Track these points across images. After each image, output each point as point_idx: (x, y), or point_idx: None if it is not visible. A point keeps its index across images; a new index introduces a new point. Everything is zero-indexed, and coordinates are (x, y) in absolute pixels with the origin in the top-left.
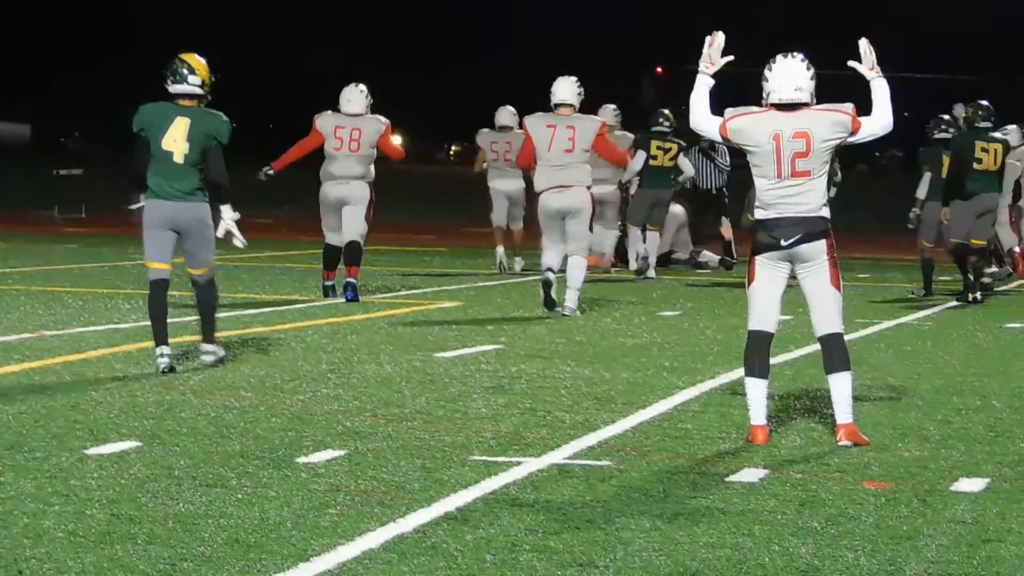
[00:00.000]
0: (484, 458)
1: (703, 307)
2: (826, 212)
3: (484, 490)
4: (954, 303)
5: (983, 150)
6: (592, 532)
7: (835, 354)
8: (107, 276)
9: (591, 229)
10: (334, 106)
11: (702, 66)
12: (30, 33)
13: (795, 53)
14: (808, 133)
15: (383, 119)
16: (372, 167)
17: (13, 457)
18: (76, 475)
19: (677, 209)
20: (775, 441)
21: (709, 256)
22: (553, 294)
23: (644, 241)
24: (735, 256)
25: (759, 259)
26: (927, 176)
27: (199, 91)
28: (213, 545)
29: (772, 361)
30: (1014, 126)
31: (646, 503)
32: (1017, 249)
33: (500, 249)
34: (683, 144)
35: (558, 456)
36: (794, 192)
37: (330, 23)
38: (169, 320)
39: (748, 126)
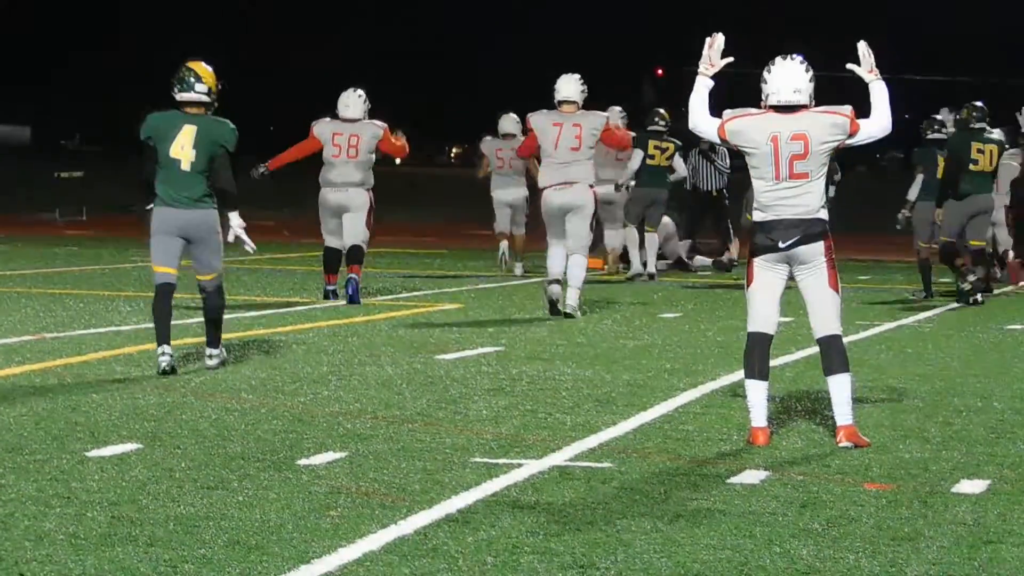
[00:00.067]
0: (485, 460)
1: (704, 309)
2: (824, 214)
3: (485, 492)
4: (955, 304)
5: (979, 151)
6: (593, 534)
7: (834, 356)
8: (108, 278)
9: (592, 228)
10: (333, 108)
11: (702, 68)
12: (28, 33)
13: (794, 55)
14: (806, 135)
15: (380, 123)
16: (371, 173)
17: (14, 459)
18: (77, 477)
19: (664, 219)
20: (776, 443)
21: (702, 260)
22: (559, 305)
23: (642, 245)
24: (733, 261)
25: (757, 261)
26: (919, 178)
27: (206, 99)
28: (214, 547)
29: (772, 363)
30: (998, 130)
31: (647, 505)
32: (1011, 254)
33: (504, 244)
34: (679, 143)
35: (559, 458)
36: (792, 194)
37: (326, 23)
38: (172, 322)
39: (746, 128)
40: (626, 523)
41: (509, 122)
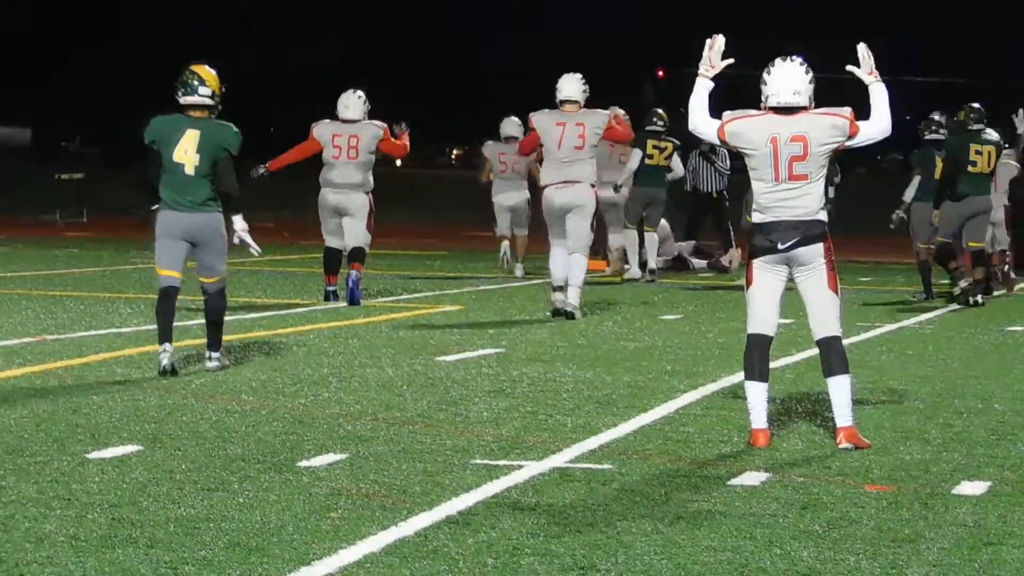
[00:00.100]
0: (485, 462)
1: (704, 310)
2: (823, 215)
3: (485, 494)
4: (955, 306)
5: (977, 152)
6: (593, 535)
7: (833, 357)
8: (108, 280)
9: (593, 228)
10: (333, 111)
11: (702, 69)
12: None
13: (794, 57)
14: (805, 137)
15: (380, 123)
16: (371, 174)
17: (14, 461)
18: (77, 479)
19: (661, 222)
20: (776, 444)
21: (699, 262)
22: (561, 305)
23: (642, 245)
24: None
25: (757, 262)
26: (916, 179)
27: (209, 102)
28: (214, 549)
29: (773, 364)
30: (995, 132)
31: (647, 506)
32: (1009, 255)
33: (505, 244)
34: (678, 143)
35: (559, 459)
36: (791, 195)
37: (325, 23)
38: (173, 323)
39: (746, 129)
40: (627, 525)
41: (511, 125)
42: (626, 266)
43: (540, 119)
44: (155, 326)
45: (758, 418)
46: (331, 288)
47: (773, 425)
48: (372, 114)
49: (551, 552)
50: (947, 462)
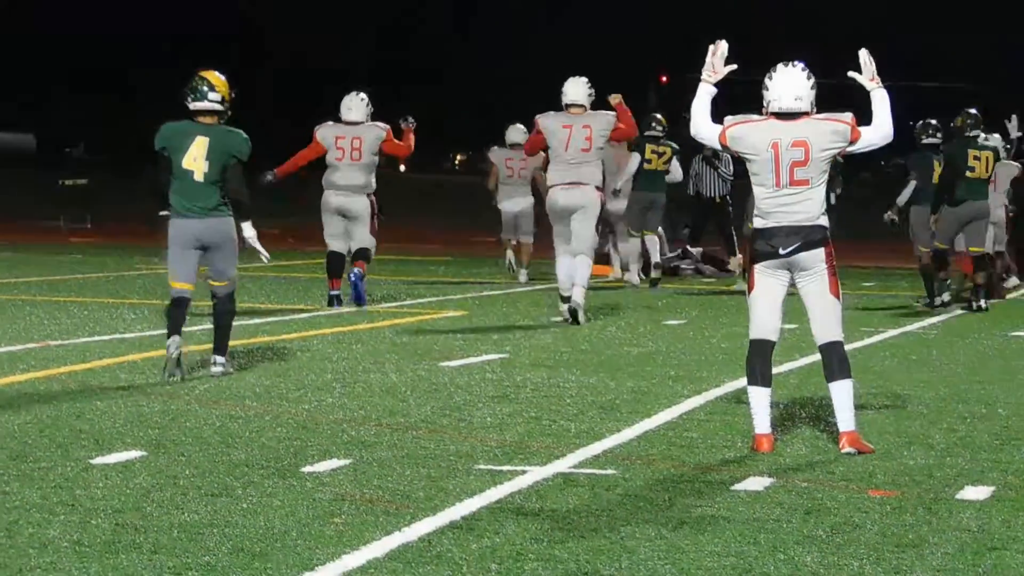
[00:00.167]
0: (489, 467)
1: (708, 315)
2: (825, 221)
3: (489, 499)
4: (959, 311)
5: (975, 158)
6: (597, 541)
7: (835, 362)
8: (112, 286)
9: (598, 230)
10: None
11: (705, 74)
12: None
13: (795, 62)
14: (807, 142)
15: (383, 125)
16: (374, 176)
17: (18, 467)
18: (81, 485)
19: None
20: (780, 449)
21: (686, 267)
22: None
23: (646, 250)
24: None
25: (758, 268)
26: (911, 184)
27: (219, 107)
28: (218, 554)
29: (777, 370)
30: (996, 136)
31: (651, 511)
32: (1008, 257)
33: (510, 252)
34: (676, 147)
35: (563, 465)
36: (792, 201)
37: (329, 24)
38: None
39: (747, 134)
40: (630, 530)
41: (516, 132)
42: (627, 273)
43: (547, 121)
44: (159, 332)
45: (761, 423)
46: (334, 293)
47: (777, 430)
48: (374, 116)
49: (555, 557)
50: (951, 467)
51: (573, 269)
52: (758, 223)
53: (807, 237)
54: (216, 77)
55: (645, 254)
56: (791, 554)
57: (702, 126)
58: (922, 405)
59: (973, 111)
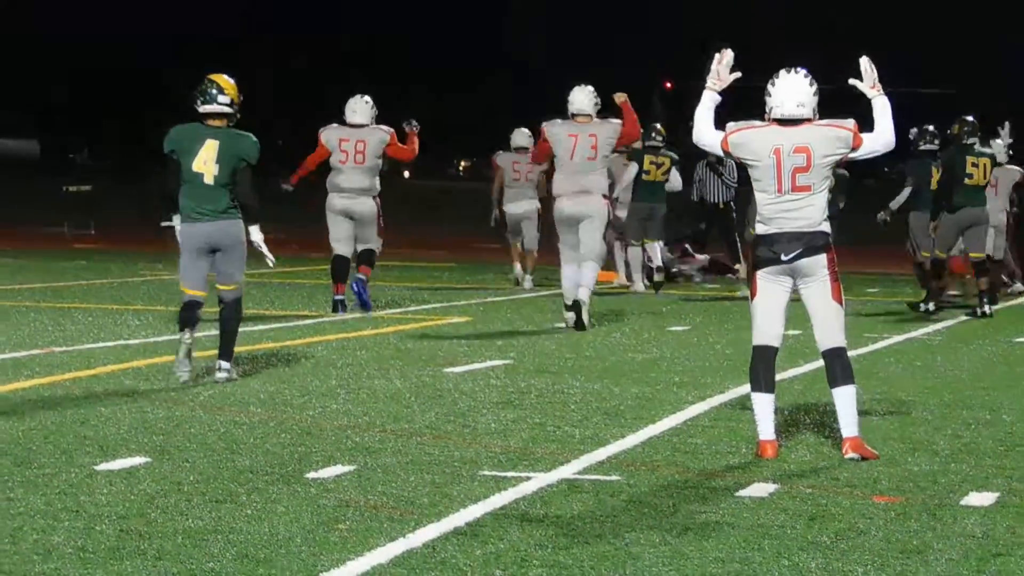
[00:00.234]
0: (493, 473)
1: (712, 321)
2: (827, 227)
3: (493, 505)
4: (963, 317)
5: (973, 165)
6: (602, 547)
7: (838, 368)
8: (116, 292)
9: (605, 238)
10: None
11: (710, 82)
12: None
13: (798, 69)
14: (809, 148)
15: (387, 128)
16: (377, 179)
17: (23, 473)
18: (85, 491)
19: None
20: (784, 455)
21: (687, 269)
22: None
23: (647, 257)
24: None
25: (760, 274)
26: (907, 190)
27: (228, 110)
28: (223, 561)
29: (781, 376)
30: (998, 141)
31: (656, 518)
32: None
33: (518, 267)
34: (676, 157)
35: (567, 471)
36: (794, 207)
37: (328, 26)
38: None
39: (749, 140)
40: (635, 536)
41: (521, 136)
42: (629, 281)
43: (553, 129)
44: (163, 338)
45: (765, 429)
46: (339, 298)
47: (781, 436)
48: (379, 119)
49: (559, 564)
50: (955, 473)
51: (578, 277)
52: (760, 229)
53: (809, 243)
54: (225, 80)
55: (647, 261)
56: (795, 560)
57: (704, 133)
58: (926, 411)
59: (970, 118)
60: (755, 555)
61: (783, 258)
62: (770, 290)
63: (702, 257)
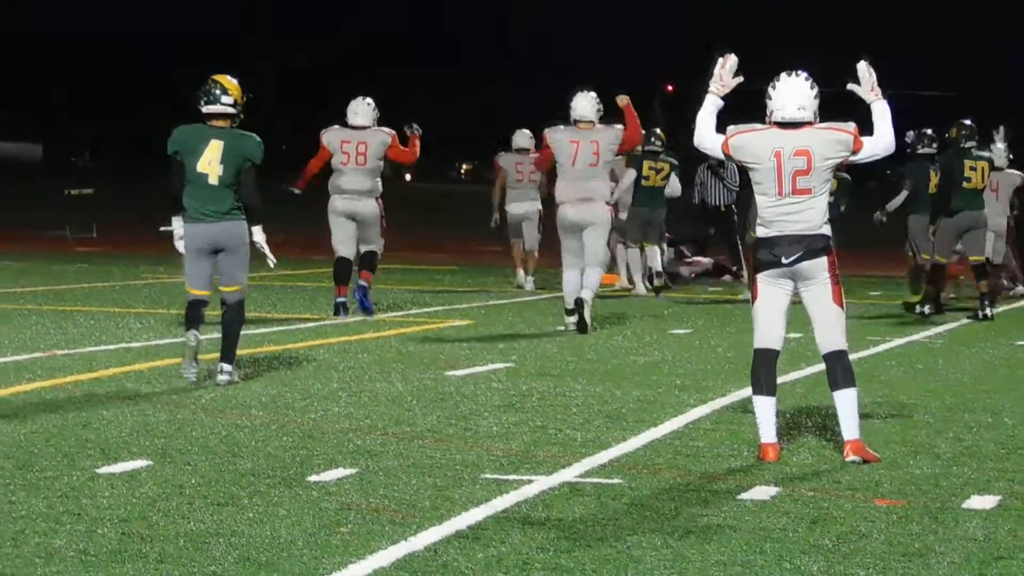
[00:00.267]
0: (495, 476)
1: (714, 324)
2: (827, 230)
3: (495, 508)
4: (965, 320)
5: (971, 168)
6: (603, 550)
7: (839, 371)
8: (118, 295)
9: (609, 244)
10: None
11: (713, 86)
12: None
13: (799, 72)
14: (809, 151)
15: (388, 130)
16: (379, 180)
17: (24, 476)
18: (87, 494)
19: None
20: (786, 458)
21: (687, 272)
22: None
23: (647, 260)
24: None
25: (761, 277)
26: (904, 193)
27: (232, 111)
28: (224, 564)
29: (782, 379)
30: (1000, 144)
31: (657, 521)
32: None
33: (521, 272)
34: (675, 162)
35: (569, 474)
36: (795, 210)
37: (329, 26)
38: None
39: (749, 143)
40: (636, 539)
41: (523, 137)
42: (646, 285)
43: (555, 135)
44: (165, 341)
45: (767, 432)
46: (341, 300)
47: (782, 439)
48: (380, 121)
49: (561, 567)
50: (957, 476)
51: (580, 283)
52: (761, 232)
53: (810, 246)
54: (229, 81)
55: (648, 264)
56: (797, 563)
57: (705, 136)
58: (928, 414)
59: (968, 122)
60: (757, 558)
61: (784, 261)
62: (771, 293)
63: (706, 260)
